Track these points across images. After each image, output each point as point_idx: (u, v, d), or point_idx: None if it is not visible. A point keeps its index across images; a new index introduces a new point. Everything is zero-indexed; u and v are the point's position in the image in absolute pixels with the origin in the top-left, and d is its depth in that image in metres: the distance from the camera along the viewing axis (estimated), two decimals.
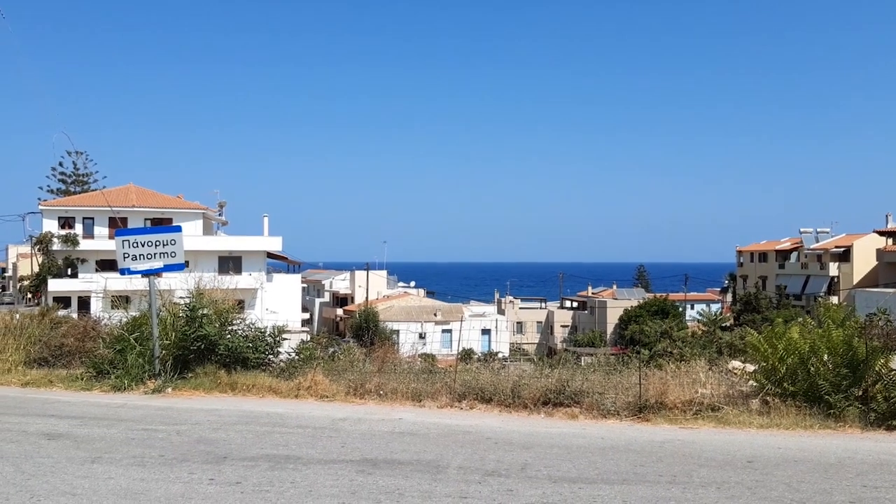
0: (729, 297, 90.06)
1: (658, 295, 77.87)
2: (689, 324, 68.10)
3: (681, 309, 72.71)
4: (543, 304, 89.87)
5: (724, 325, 62.83)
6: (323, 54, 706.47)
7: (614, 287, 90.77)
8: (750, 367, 11.86)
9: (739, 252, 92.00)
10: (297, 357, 14.30)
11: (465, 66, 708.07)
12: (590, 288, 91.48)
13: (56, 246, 57.01)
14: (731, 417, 10.34)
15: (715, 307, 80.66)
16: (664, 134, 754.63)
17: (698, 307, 79.16)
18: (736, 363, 12.90)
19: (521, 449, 8.62)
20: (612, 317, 75.38)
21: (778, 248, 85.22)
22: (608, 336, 73.75)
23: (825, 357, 10.69)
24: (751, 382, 11.39)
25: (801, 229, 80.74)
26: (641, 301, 74.15)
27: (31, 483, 7.11)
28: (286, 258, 69.53)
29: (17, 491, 6.84)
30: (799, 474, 7.62)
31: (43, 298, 54.51)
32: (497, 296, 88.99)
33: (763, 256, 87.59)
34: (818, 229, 79.15)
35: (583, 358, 21.21)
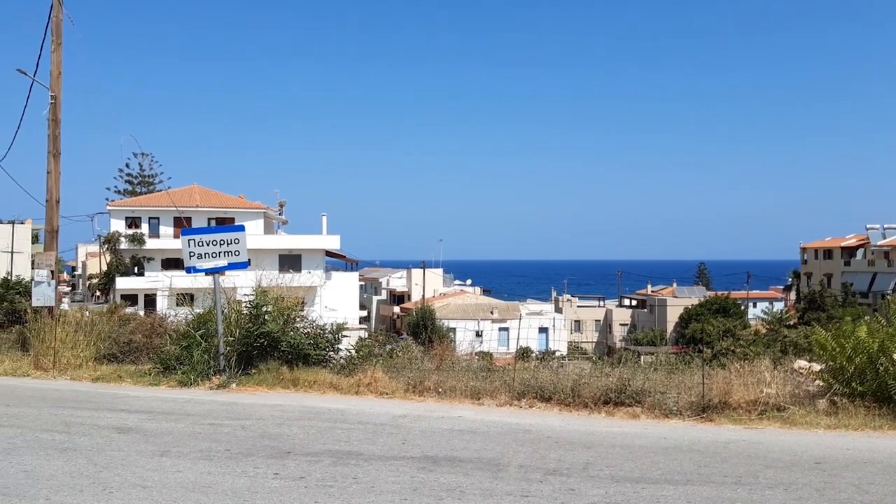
0: (793, 295, 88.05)
1: (719, 293, 76.43)
2: (751, 322, 66.74)
3: (743, 307, 71.23)
4: (602, 303, 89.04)
5: (788, 323, 61.42)
6: (384, 51, 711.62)
7: (674, 285, 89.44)
8: (816, 367, 11.57)
9: (803, 249, 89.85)
10: (356, 354, 14.44)
11: (521, 64, 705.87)
12: (649, 286, 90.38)
13: (123, 245, 58.67)
14: (797, 418, 10.11)
15: (778, 305, 78.94)
16: (722, 130, 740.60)
17: (761, 305, 77.57)
18: (802, 362, 12.60)
19: (583, 448, 8.57)
20: (673, 315, 74.29)
21: (843, 244, 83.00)
22: (668, 335, 72.70)
23: (895, 356, 10.38)
24: (817, 382, 11.12)
25: (868, 226, 78.57)
26: (702, 299, 72.86)
27: (103, 475, 7.33)
28: (344, 256, 70.30)
29: (91, 483, 7.06)
30: (868, 476, 7.42)
31: (111, 296, 56.09)
32: (554, 294, 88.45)
33: (828, 253, 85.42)
34: (885, 225, 76.94)
35: (642, 357, 20.96)
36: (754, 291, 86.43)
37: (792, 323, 63.29)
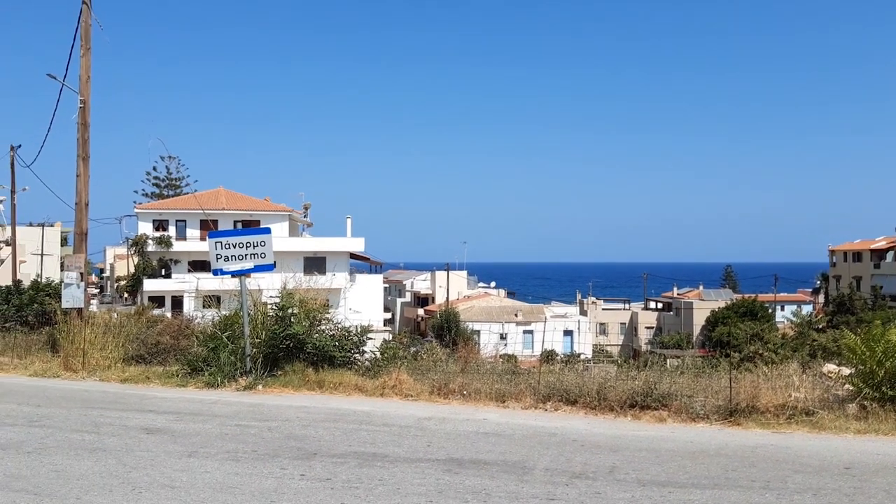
0: (821, 298, 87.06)
1: (746, 296, 75.71)
2: (779, 325, 66.04)
3: (770, 310, 70.52)
4: (627, 305, 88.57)
5: (816, 326, 60.74)
6: (417, 53, 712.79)
7: (700, 288, 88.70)
8: (846, 371, 11.43)
9: (832, 252, 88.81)
10: (380, 356, 14.48)
11: (537, 65, 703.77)
12: (675, 289, 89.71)
13: (151, 247, 59.30)
14: (826, 422, 9.98)
15: (807, 308, 78.10)
16: (749, 133, 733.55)
17: (789, 308, 76.80)
18: (831, 366, 12.45)
19: (609, 451, 8.53)
20: (699, 318, 73.66)
21: (873, 247, 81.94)
22: (694, 338, 72.13)
23: None
24: (847, 386, 10.97)
25: None
26: (729, 302, 72.27)
27: (132, 475, 7.41)
28: (368, 259, 70.52)
29: (120, 483, 7.15)
30: None
31: (138, 298, 56.70)
32: (579, 296, 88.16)
33: (857, 256, 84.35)
34: None
35: (668, 360, 20.82)
36: (782, 294, 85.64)
37: (820, 326, 62.59)
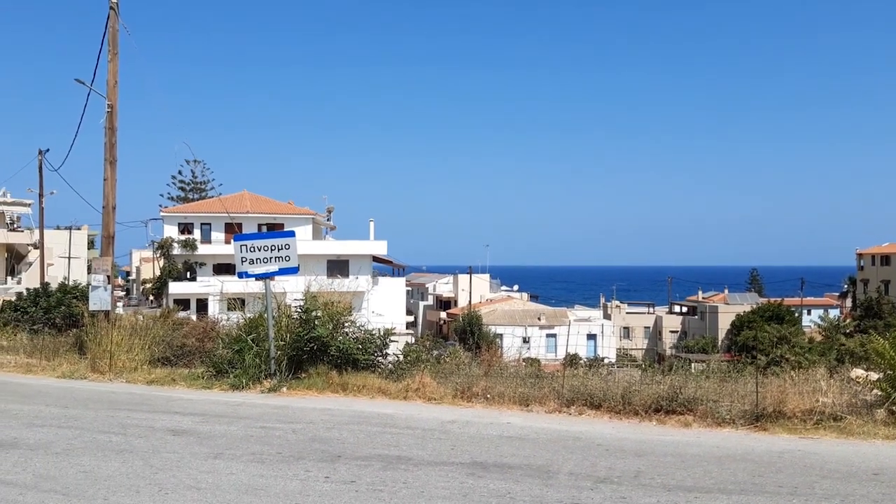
0: (848, 302, 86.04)
1: (772, 300, 75.01)
2: (805, 330, 65.36)
3: (797, 314, 69.81)
4: (651, 309, 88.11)
5: (844, 331, 60.02)
6: (433, 56, 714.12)
7: (726, 291, 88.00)
8: (874, 376, 11.27)
9: (860, 255, 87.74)
10: (404, 359, 14.51)
11: (563, 71, 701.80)
12: (700, 292, 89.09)
13: (176, 250, 59.89)
14: (854, 428, 9.86)
15: (834, 312, 77.23)
16: (775, 134, 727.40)
17: (816, 312, 76.05)
18: (859, 371, 12.30)
19: (634, 456, 8.48)
20: (724, 322, 73.08)
21: None
22: (720, 342, 71.55)
23: None
24: (875, 391, 10.83)
25: None
26: (755, 306, 71.60)
27: (158, 477, 7.48)
28: (391, 262, 70.71)
29: (147, 484, 7.21)
30: None
31: (164, 300, 57.23)
32: (603, 300, 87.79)
33: (886, 259, 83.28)
34: None
35: (693, 364, 20.68)
36: (808, 298, 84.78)
37: (848, 331, 61.81)
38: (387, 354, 14.57)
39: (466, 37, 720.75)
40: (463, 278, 75.72)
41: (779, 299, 74.62)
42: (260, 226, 58.91)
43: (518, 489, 7.11)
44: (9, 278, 62.28)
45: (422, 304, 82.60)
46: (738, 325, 68.09)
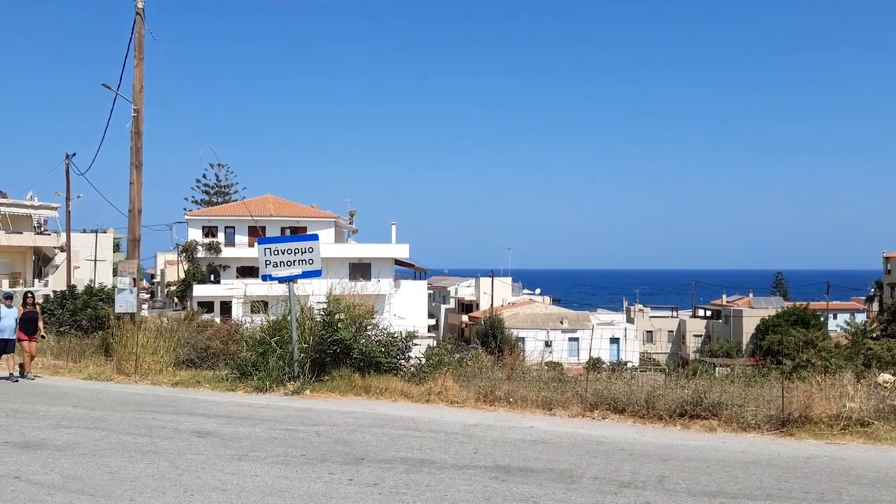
0: (875, 307, 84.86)
1: (798, 304, 74.17)
2: (832, 334, 64.57)
3: (823, 319, 68.99)
4: (675, 313, 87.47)
5: (871, 335, 59.25)
6: (448, 64, 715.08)
7: (750, 295, 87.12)
8: None
9: (887, 259, 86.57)
10: (426, 362, 14.52)
11: (581, 81, 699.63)
12: (724, 296, 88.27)
13: (200, 253, 60.35)
14: (881, 433, 9.75)
15: (860, 317, 76.23)
16: (798, 136, 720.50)
17: (842, 317, 75.05)
18: (886, 376, 12.13)
19: (658, 461, 8.43)
20: (749, 326, 72.41)
21: None
22: (744, 346, 70.90)
23: None
24: None
25: None
26: (780, 310, 70.81)
27: (184, 478, 7.54)
28: (413, 265, 70.79)
29: (173, 485, 7.27)
30: None
31: (188, 303, 57.66)
32: (626, 304, 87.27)
33: None
34: None
35: (717, 369, 20.52)
36: (834, 302, 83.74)
37: (875, 335, 60.97)
38: (409, 357, 14.58)
39: (488, 48, 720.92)
40: (485, 281, 75.65)
41: (804, 303, 73.72)
42: (283, 229, 59.28)
43: (541, 493, 7.09)
44: (36, 281, 63.10)
45: (443, 307, 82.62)
46: (763, 329, 67.40)
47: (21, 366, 16.44)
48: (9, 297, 17.41)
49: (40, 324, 17.17)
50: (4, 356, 16.50)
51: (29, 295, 17.67)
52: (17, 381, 15.85)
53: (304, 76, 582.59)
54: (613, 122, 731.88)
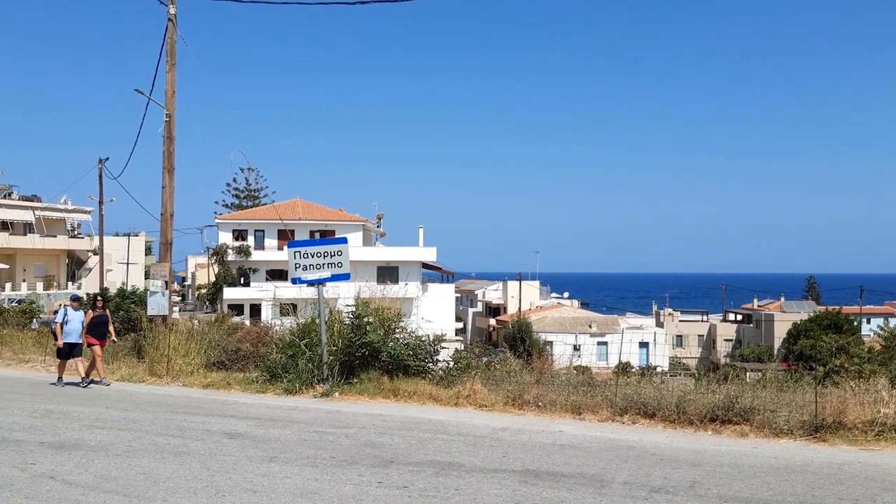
0: None
1: (830, 308, 73.11)
2: (865, 339, 63.57)
3: (856, 323, 67.96)
4: (705, 317, 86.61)
5: None
6: (477, 69, 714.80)
7: (782, 299, 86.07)
8: None
9: None
10: (454, 366, 14.53)
11: (609, 83, 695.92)
12: (755, 300, 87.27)
13: (230, 256, 60.93)
14: None
15: (894, 321, 74.96)
16: (834, 138, 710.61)
17: (875, 321, 73.83)
18: None
19: (689, 466, 8.36)
20: (780, 331, 71.46)
21: None
22: (776, 351, 70.03)
23: None
24: None
25: None
26: (812, 314, 69.88)
27: (215, 479, 7.61)
28: (440, 268, 70.82)
29: (204, 486, 7.34)
30: None
31: (218, 306, 58.21)
32: (655, 308, 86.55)
33: None
34: None
35: (748, 373, 20.29)
36: (868, 307, 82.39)
37: None
38: (437, 361, 14.61)
39: (519, 54, 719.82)
40: (512, 285, 75.48)
41: (837, 307, 72.69)
42: (312, 232, 59.65)
43: (571, 498, 7.06)
44: (69, 283, 64.10)
45: (471, 310, 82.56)
46: (795, 333, 66.55)
47: (89, 370, 15.91)
48: (76, 299, 16.99)
49: (111, 327, 16.62)
50: (72, 360, 16.02)
51: (99, 298, 17.18)
52: (86, 386, 15.42)
53: (330, 80, 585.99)
54: (642, 126, 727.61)
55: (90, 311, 16.36)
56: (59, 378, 15.99)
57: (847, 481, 7.78)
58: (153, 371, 16.58)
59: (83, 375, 15.83)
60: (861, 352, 52.82)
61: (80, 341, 16.04)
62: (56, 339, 15.97)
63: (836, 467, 8.38)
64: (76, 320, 15.97)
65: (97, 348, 15.78)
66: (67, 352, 15.95)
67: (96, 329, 15.96)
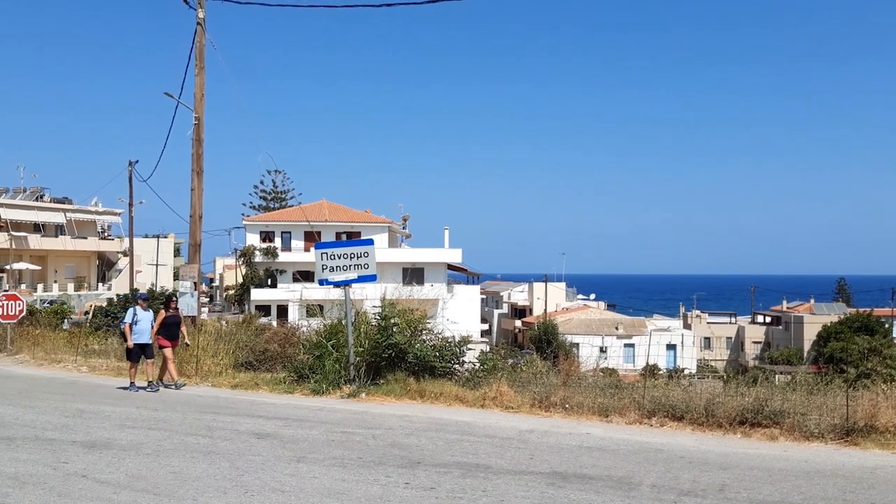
0: None
1: (861, 310, 72.08)
2: None
3: (888, 325, 66.92)
4: (733, 319, 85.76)
5: None
6: (503, 73, 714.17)
7: (812, 301, 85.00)
8: None
9: None
10: (480, 367, 14.52)
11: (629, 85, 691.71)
12: (784, 302, 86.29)
13: (258, 258, 61.37)
14: None
15: None
16: (862, 139, 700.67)
17: None
18: None
19: (718, 469, 8.28)
20: (810, 333, 70.60)
21: None
22: (805, 353, 69.19)
23: None
24: None
25: None
26: (842, 316, 68.96)
27: (244, 479, 7.67)
28: (465, 269, 70.83)
29: (233, 486, 7.40)
30: None
31: (246, 306, 58.62)
32: (682, 309, 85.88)
33: None
34: None
35: (777, 376, 20.08)
36: None
37: None
38: (463, 362, 14.60)
39: (541, 56, 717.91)
40: (538, 286, 75.30)
41: (868, 309, 71.66)
42: (338, 234, 59.93)
43: (599, 500, 7.03)
44: (100, 284, 64.90)
45: (496, 312, 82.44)
46: (825, 335, 65.73)
47: (161, 373, 15.57)
48: (145, 299, 16.51)
49: (184, 329, 15.94)
50: (144, 362, 15.58)
51: (173, 298, 16.56)
52: (156, 390, 14.87)
53: (356, 83, 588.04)
54: (666, 130, 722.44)
55: (161, 310, 15.72)
56: (132, 383, 15.28)
57: (879, 485, 7.67)
58: (182, 371, 16.71)
59: (153, 379, 15.38)
60: (893, 354, 52.07)
61: (151, 342, 15.50)
62: (125, 340, 15.40)
63: (867, 471, 8.27)
64: (146, 320, 15.44)
65: (168, 350, 15.30)
66: (138, 353, 15.41)
67: (168, 330, 15.37)
